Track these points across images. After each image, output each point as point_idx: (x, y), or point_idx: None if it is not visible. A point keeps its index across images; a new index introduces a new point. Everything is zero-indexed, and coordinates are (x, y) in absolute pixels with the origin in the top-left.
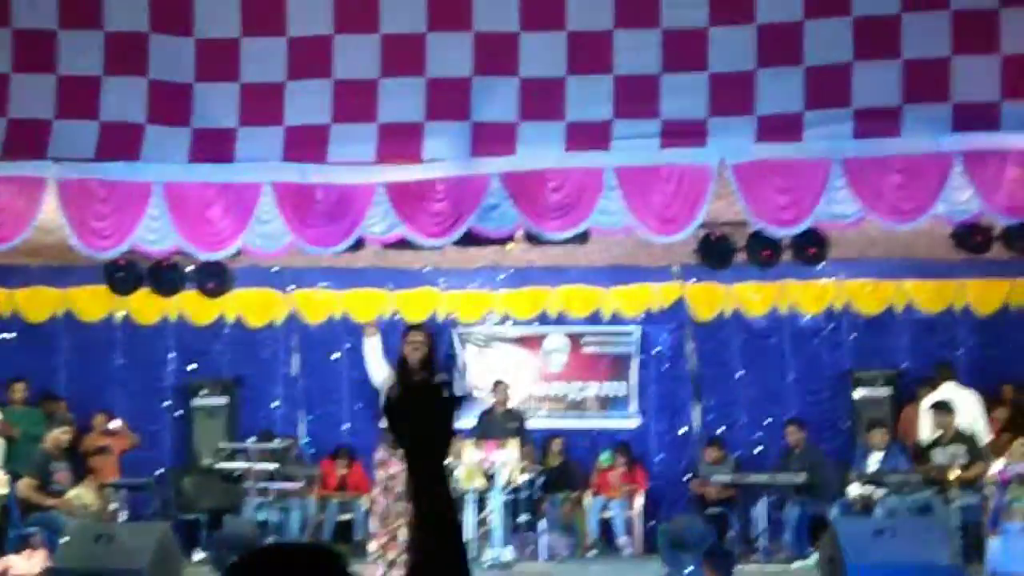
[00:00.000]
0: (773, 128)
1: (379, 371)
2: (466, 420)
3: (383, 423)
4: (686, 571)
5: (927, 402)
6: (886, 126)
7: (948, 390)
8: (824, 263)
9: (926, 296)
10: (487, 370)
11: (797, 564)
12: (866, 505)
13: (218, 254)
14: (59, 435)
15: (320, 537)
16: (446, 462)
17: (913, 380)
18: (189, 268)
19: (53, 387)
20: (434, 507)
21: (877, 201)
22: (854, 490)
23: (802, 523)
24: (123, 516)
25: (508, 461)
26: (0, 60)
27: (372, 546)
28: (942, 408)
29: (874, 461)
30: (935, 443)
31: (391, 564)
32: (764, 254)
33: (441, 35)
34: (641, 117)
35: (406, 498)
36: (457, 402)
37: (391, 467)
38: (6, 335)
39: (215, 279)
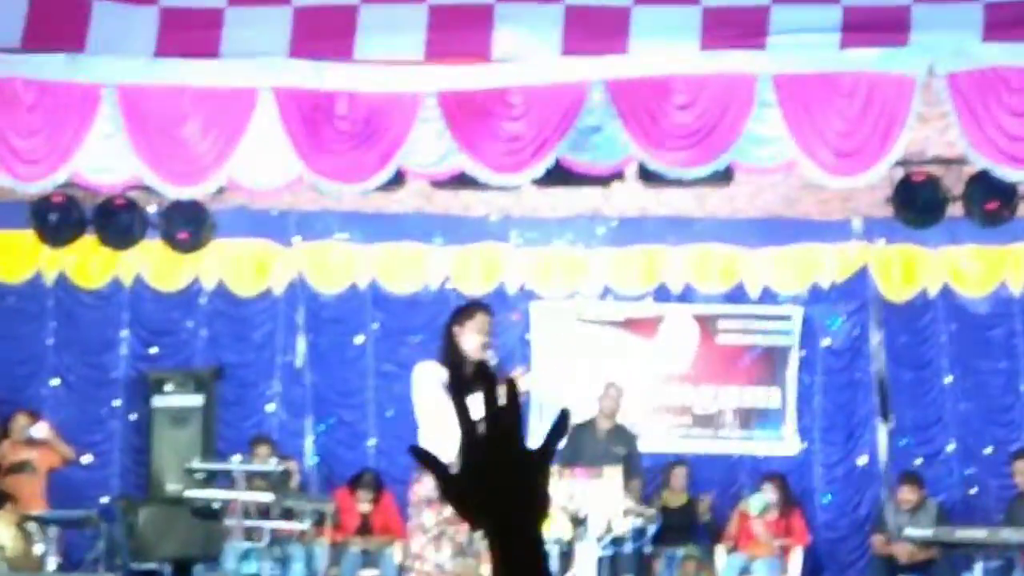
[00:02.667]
0: (1008, 21)
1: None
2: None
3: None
4: None
5: None
6: None
7: None
8: None
9: None
10: (579, 367)
11: None
12: None
13: (194, 189)
14: None
15: None
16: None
17: None
18: (152, 209)
19: None
20: None
21: None
22: None
23: None
24: (52, 563)
25: (607, 499)
26: None
27: None
28: None
29: None
30: None
31: None
32: (989, 206)
33: None
34: (813, 1)
35: (471, 554)
36: (555, 438)
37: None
38: None
39: (189, 226)
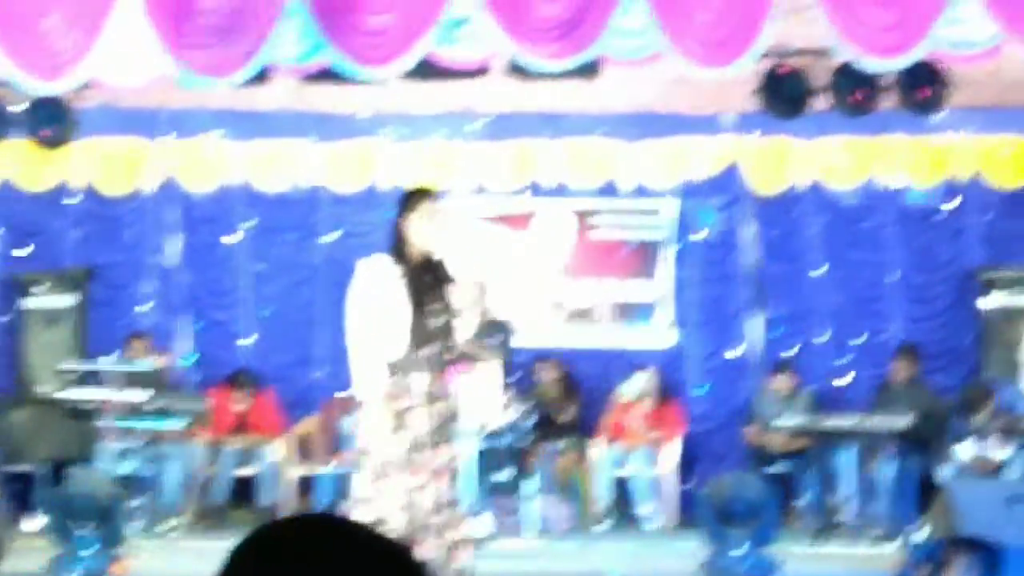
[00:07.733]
0: None
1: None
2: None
3: None
4: (735, 553)
5: None
6: None
7: None
8: (943, 112)
9: None
10: (453, 264)
11: (898, 544)
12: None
13: (56, 85)
14: None
15: (209, 498)
16: None
17: None
18: (14, 108)
19: None
20: None
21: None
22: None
23: (904, 485)
24: None
25: (481, 394)
26: None
27: None
28: None
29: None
30: None
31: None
32: (856, 97)
33: None
34: None
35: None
36: None
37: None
38: None
39: (53, 123)
